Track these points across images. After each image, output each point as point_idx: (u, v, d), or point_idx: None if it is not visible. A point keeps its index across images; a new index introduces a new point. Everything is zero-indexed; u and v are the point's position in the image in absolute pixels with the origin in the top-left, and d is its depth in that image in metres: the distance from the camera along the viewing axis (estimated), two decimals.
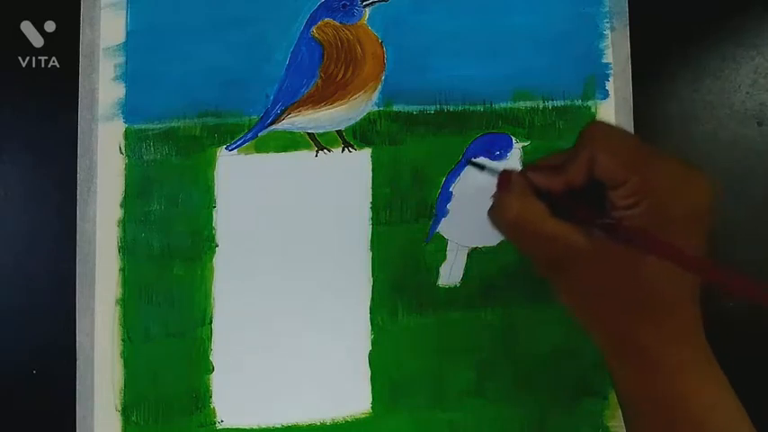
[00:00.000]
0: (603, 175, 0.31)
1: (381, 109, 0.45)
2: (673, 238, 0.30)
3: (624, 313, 0.32)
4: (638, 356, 0.32)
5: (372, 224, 0.45)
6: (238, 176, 0.44)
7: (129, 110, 0.43)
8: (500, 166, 0.36)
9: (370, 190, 0.45)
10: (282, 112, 0.44)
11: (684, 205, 0.31)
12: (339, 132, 0.45)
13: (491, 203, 0.34)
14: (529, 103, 0.46)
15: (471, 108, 0.46)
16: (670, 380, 0.32)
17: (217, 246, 0.44)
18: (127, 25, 0.44)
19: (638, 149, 0.32)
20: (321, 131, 0.45)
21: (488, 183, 0.45)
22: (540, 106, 0.46)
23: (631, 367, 0.32)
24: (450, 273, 0.45)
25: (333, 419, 0.44)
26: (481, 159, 0.45)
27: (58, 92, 0.44)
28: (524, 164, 0.36)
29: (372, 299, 0.45)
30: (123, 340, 0.43)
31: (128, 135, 0.43)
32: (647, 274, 0.31)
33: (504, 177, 0.34)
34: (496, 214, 0.33)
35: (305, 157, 0.45)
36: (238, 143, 0.44)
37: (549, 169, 0.33)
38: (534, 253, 0.34)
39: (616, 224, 0.31)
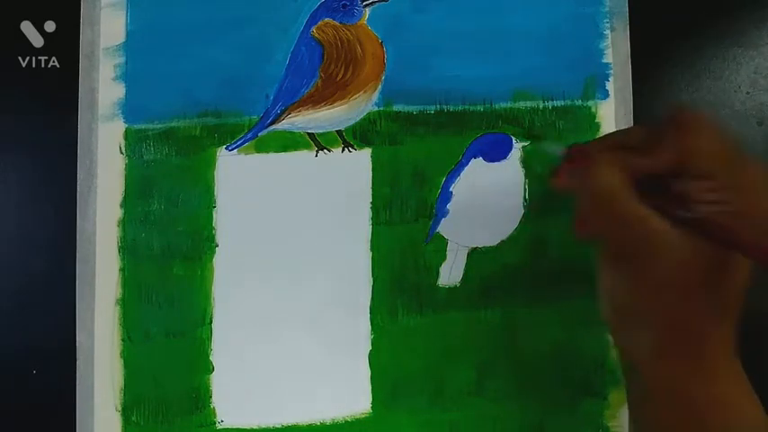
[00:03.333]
0: (696, 162, 0.31)
1: (381, 109, 0.45)
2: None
3: (691, 306, 0.31)
4: (690, 354, 0.32)
5: (372, 224, 0.45)
6: (238, 176, 0.44)
7: (129, 110, 0.43)
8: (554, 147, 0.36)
9: (370, 190, 0.45)
10: (282, 112, 0.44)
11: (759, 210, 0.31)
12: (339, 132, 0.45)
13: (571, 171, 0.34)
14: (529, 104, 0.46)
15: (471, 108, 0.46)
16: (714, 382, 0.31)
17: (217, 246, 0.44)
18: (127, 25, 0.44)
19: (728, 144, 0.32)
20: (321, 131, 0.45)
21: (489, 182, 0.45)
22: (540, 106, 0.46)
23: (679, 365, 0.32)
24: (450, 273, 0.45)
25: (333, 419, 0.44)
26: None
27: (58, 92, 0.43)
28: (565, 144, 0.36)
29: (372, 299, 0.45)
30: (123, 340, 0.43)
31: (128, 135, 0.43)
32: (730, 269, 0.31)
33: (579, 151, 0.34)
34: (590, 180, 0.32)
35: (305, 157, 0.45)
36: (238, 143, 0.44)
37: (632, 150, 0.33)
38: (615, 231, 0.32)
39: (705, 218, 0.30)
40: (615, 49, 0.47)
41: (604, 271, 0.34)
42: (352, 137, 0.45)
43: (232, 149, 0.44)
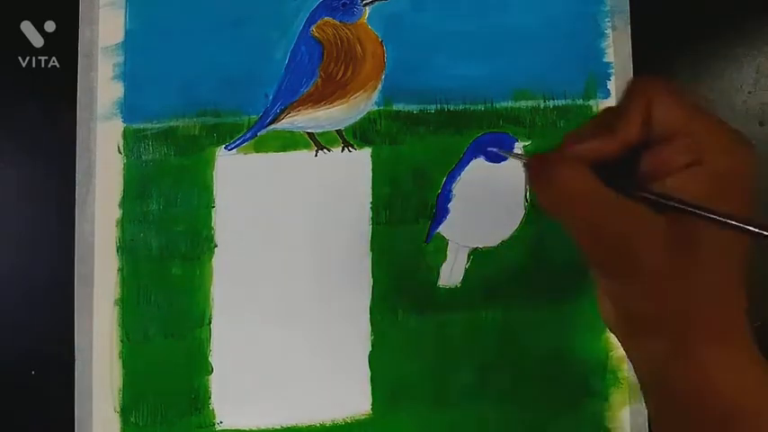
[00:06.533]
0: (663, 123, 0.28)
1: (381, 108, 0.45)
2: (730, 199, 0.28)
3: (692, 300, 0.29)
4: (695, 353, 0.29)
5: (372, 224, 0.45)
6: (237, 176, 0.44)
7: (127, 109, 0.43)
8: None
9: (371, 190, 0.45)
10: (282, 111, 0.44)
11: (740, 167, 0.28)
12: (339, 132, 0.45)
13: (532, 177, 0.30)
14: (530, 103, 0.46)
15: (472, 107, 0.45)
16: (725, 374, 0.29)
17: (216, 246, 0.44)
18: (126, 24, 0.44)
19: (692, 101, 0.29)
20: (321, 131, 0.45)
21: (490, 182, 0.45)
22: (542, 106, 0.46)
23: (684, 366, 0.30)
24: (451, 273, 0.45)
25: (333, 420, 0.44)
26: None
27: (58, 92, 0.43)
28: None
29: (372, 299, 0.44)
30: (122, 341, 0.43)
31: (126, 134, 0.43)
32: (715, 251, 0.28)
33: (540, 159, 0.30)
34: (553, 188, 0.29)
35: (304, 156, 0.44)
36: (237, 143, 0.44)
37: (596, 135, 0.30)
38: (597, 232, 0.29)
39: (683, 189, 0.28)
40: (616, 48, 0.46)
41: (602, 280, 0.31)
42: (352, 136, 0.45)
43: (231, 149, 0.44)
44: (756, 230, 0.27)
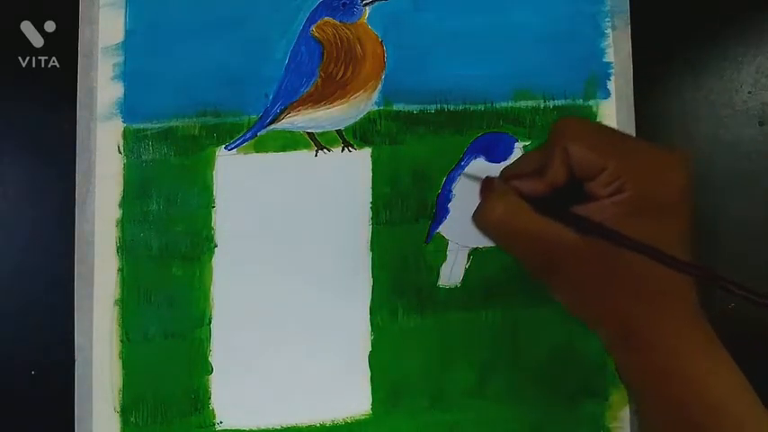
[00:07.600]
0: (580, 165, 0.31)
1: (381, 108, 0.45)
2: (662, 221, 0.30)
3: (619, 302, 0.31)
4: (639, 344, 0.32)
5: (372, 224, 0.45)
6: (237, 176, 0.44)
7: (127, 109, 0.43)
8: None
9: (371, 190, 0.45)
10: (282, 111, 0.44)
11: (668, 187, 0.31)
12: (339, 132, 0.45)
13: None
14: (530, 103, 0.46)
15: (472, 107, 0.45)
16: (675, 363, 0.31)
17: (216, 246, 0.44)
18: (126, 24, 0.43)
19: (610, 136, 0.32)
20: (321, 131, 0.45)
21: None
22: (542, 106, 0.46)
23: (635, 356, 0.32)
24: (451, 273, 0.45)
25: (333, 420, 0.44)
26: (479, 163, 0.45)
27: (58, 92, 0.43)
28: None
29: (372, 299, 0.44)
30: (122, 341, 0.43)
31: (126, 135, 0.43)
32: (631, 259, 0.30)
33: (487, 184, 0.34)
34: (482, 216, 0.33)
35: (304, 156, 0.44)
36: (237, 143, 0.44)
37: (528, 174, 0.33)
38: (524, 253, 0.33)
39: (589, 220, 0.30)
40: (616, 48, 0.46)
41: (545, 284, 0.34)
42: (352, 136, 0.45)
43: (231, 149, 0.44)
44: (647, 252, 0.29)
